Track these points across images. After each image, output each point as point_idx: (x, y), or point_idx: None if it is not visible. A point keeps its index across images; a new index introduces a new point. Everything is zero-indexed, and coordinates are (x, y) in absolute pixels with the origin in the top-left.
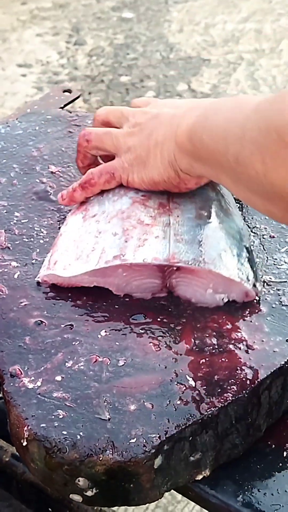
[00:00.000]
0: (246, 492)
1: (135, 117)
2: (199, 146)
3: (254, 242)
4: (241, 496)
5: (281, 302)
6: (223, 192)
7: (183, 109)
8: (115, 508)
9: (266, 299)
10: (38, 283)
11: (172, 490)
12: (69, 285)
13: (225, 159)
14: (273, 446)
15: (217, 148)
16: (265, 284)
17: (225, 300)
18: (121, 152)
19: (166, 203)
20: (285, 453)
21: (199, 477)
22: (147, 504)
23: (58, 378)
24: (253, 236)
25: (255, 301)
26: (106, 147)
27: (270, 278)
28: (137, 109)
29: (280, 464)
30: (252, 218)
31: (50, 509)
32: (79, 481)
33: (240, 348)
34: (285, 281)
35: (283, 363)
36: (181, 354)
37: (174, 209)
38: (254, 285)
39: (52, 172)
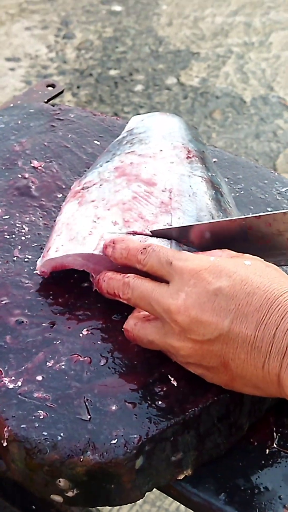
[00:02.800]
0: (228, 490)
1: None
2: None
3: None
4: (223, 494)
5: None
6: (223, 191)
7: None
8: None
9: None
10: (20, 279)
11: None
12: (62, 268)
13: None
14: (256, 443)
15: None
16: None
17: None
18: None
19: (168, 201)
20: (267, 451)
21: (181, 476)
22: None
23: (39, 378)
24: None
25: None
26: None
27: None
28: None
29: (263, 462)
30: None
31: (34, 507)
32: (59, 482)
33: None
34: None
35: None
36: (163, 354)
37: (176, 209)
38: None
39: (34, 167)
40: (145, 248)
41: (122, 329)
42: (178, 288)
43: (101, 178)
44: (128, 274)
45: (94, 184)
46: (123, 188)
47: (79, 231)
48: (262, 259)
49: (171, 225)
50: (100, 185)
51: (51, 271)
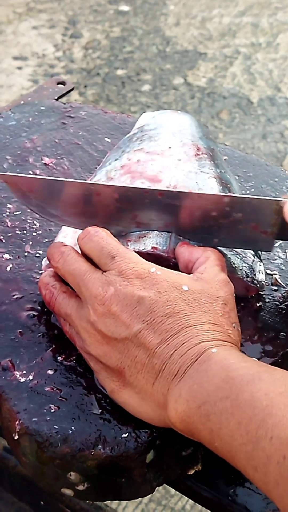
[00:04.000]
0: (238, 486)
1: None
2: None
3: None
4: (232, 490)
5: (274, 297)
6: (232, 188)
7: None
8: (109, 502)
9: (259, 293)
10: (31, 274)
11: (166, 485)
12: None
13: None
14: None
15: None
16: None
17: None
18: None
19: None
20: None
21: (191, 471)
22: (141, 498)
23: (50, 372)
24: None
25: (248, 296)
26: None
27: (264, 273)
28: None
29: None
30: None
31: (42, 502)
32: (70, 475)
33: None
34: (279, 276)
35: (275, 358)
36: None
37: None
38: (254, 280)
39: (45, 164)
40: (87, 229)
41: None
42: (110, 282)
43: (108, 177)
44: (67, 245)
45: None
46: (127, 185)
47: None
48: (206, 287)
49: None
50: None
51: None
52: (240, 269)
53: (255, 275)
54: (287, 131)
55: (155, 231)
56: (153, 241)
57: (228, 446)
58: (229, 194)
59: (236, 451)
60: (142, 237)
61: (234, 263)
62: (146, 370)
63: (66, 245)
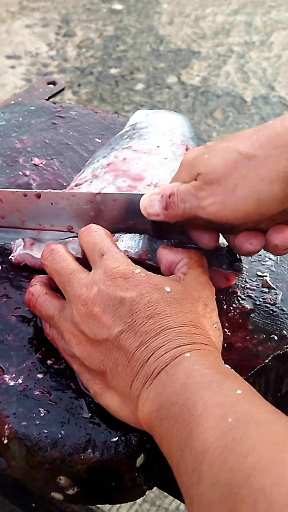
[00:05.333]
0: None
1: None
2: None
3: None
4: None
5: (264, 299)
6: None
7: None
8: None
9: (250, 296)
10: (21, 277)
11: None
12: (40, 268)
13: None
14: None
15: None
16: (248, 280)
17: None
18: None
19: None
20: None
21: None
22: None
23: (40, 375)
24: None
25: (239, 298)
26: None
27: (255, 275)
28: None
29: None
30: None
31: (33, 505)
32: (60, 479)
33: (223, 346)
34: (269, 277)
35: (266, 361)
36: None
37: None
38: (232, 266)
39: (35, 165)
40: (90, 225)
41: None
42: (95, 281)
43: (93, 175)
44: (57, 243)
45: (85, 181)
46: (109, 184)
47: (64, 234)
48: (188, 288)
49: None
50: (91, 182)
51: (24, 264)
52: (215, 259)
53: (229, 261)
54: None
55: (128, 234)
56: (125, 244)
57: (168, 453)
58: (101, 191)
59: (172, 458)
60: (115, 241)
61: (208, 256)
62: (125, 373)
63: (56, 243)
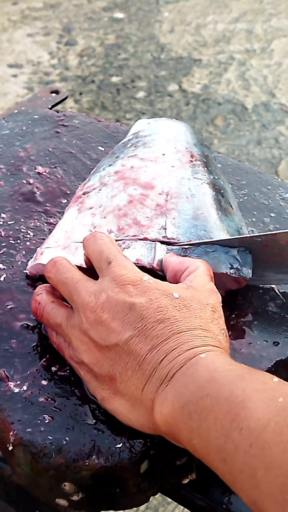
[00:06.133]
0: (232, 495)
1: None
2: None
3: None
4: (227, 498)
5: (267, 305)
6: (225, 193)
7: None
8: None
9: (253, 302)
10: (25, 284)
11: (160, 493)
12: None
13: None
14: None
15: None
16: (252, 287)
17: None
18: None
19: (164, 204)
20: None
21: (186, 480)
22: None
23: (44, 382)
24: None
25: (242, 304)
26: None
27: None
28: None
29: None
30: None
31: None
32: (65, 486)
33: None
34: (273, 285)
35: (269, 367)
36: None
37: (171, 210)
38: (240, 271)
39: (39, 173)
40: (94, 233)
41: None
42: (103, 289)
43: (101, 183)
44: (58, 256)
45: (94, 189)
46: (120, 192)
47: (75, 239)
48: (196, 294)
49: (165, 228)
50: (99, 190)
51: (40, 275)
52: (224, 263)
53: (239, 265)
54: (281, 137)
55: (139, 242)
56: (138, 252)
57: (204, 443)
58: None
59: (210, 445)
60: (126, 248)
61: (218, 258)
62: (136, 377)
63: (58, 256)
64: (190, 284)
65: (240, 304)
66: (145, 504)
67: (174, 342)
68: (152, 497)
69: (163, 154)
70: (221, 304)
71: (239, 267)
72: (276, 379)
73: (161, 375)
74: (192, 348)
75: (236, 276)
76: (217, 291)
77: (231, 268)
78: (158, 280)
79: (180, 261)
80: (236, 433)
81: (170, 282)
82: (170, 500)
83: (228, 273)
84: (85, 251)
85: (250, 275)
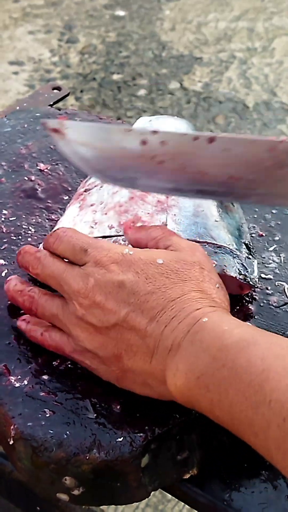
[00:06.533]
0: (233, 491)
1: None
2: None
3: None
4: (228, 495)
5: (269, 301)
6: None
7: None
8: (105, 507)
9: (254, 298)
10: (26, 280)
11: (161, 490)
12: None
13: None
14: None
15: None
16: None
17: None
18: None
19: (165, 200)
20: None
21: (187, 476)
22: (138, 503)
23: (45, 377)
24: None
25: (243, 299)
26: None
27: (259, 277)
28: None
29: (268, 463)
30: None
31: (38, 508)
32: (65, 480)
33: None
34: (273, 280)
35: None
36: None
37: (172, 207)
38: (247, 278)
39: (40, 170)
40: (55, 232)
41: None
42: (89, 273)
43: None
44: (41, 250)
45: (95, 186)
46: (121, 188)
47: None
48: (179, 255)
49: (166, 224)
50: (101, 187)
51: None
52: (233, 267)
53: (248, 272)
54: (283, 136)
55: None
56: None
57: (228, 415)
58: (284, 138)
59: (237, 418)
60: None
61: (226, 261)
62: (141, 351)
63: (39, 250)
64: (170, 247)
65: (241, 300)
66: (145, 501)
67: (171, 310)
68: (152, 495)
69: None
70: (208, 256)
71: (246, 274)
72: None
73: (167, 345)
74: (191, 312)
75: (244, 282)
76: (196, 244)
77: (240, 273)
78: (139, 250)
79: (147, 233)
80: (265, 407)
81: None
82: (170, 497)
83: (237, 278)
84: (56, 253)
85: (256, 284)
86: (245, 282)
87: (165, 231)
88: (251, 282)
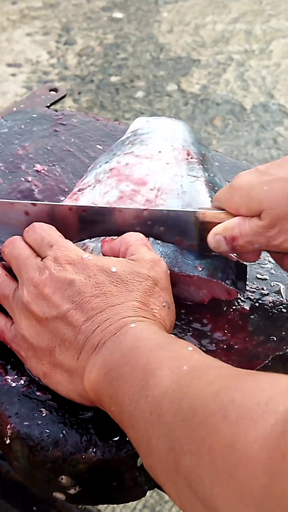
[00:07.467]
0: None
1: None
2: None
3: None
4: None
5: (264, 301)
6: (220, 188)
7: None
8: (103, 508)
9: (249, 298)
10: None
11: (158, 490)
12: None
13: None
14: None
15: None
16: (249, 283)
17: (209, 297)
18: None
19: (153, 199)
20: None
21: None
22: (135, 504)
23: None
24: None
25: (238, 300)
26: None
27: (255, 277)
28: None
29: None
30: None
31: (35, 508)
32: (62, 479)
33: (222, 348)
34: (268, 280)
35: (266, 362)
36: None
37: (160, 206)
38: (234, 283)
39: (37, 171)
40: (33, 223)
41: None
42: (46, 266)
43: (96, 180)
44: (16, 236)
45: (88, 186)
46: (112, 188)
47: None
48: (135, 267)
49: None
50: (94, 187)
51: None
52: (221, 271)
53: (235, 277)
54: (280, 138)
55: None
56: None
57: (119, 409)
58: (148, 208)
59: (124, 412)
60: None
61: (214, 264)
62: (72, 347)
63: (16, 237)
64: (130, 257)
65: (236, 300)
66: (142, 502)
67: (108, 313)
68: (149, 496)
69: (159, 152)
70: (168, 274)
71: (234, 279)
72: (191, 348)
73: (93, 344)
74: (124, 317)
75: (230, 287)
76: (161, 259)
77: (227, 278)
78: (99, 256)
79: (110, 247)
80: (143, 400)
81: None
82: (167, 498)
83: (224, 283)
84: (26, 241)
85: (244, 290)
86: (231, 287)
87: (138, 239)
88: (238, 287)
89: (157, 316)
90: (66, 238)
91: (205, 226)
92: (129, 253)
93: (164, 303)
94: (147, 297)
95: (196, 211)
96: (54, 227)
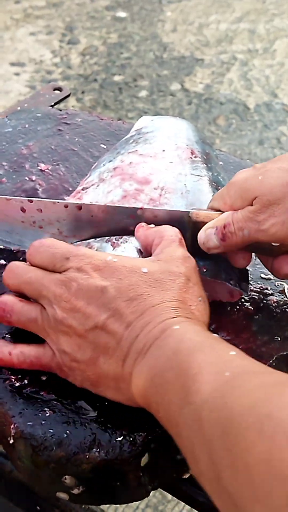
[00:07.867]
0: None
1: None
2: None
3: None
4: None
5: (268, 300)
6: (221, 185)
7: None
8: (106, 507)
9: (253, 298)
10: None
11: (161, 489)
12: None
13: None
14: None
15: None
16: (253, 283)
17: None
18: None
19: (157, 198)
20: None
21: (186, 475)
22: (137, 504)
23: (43, 377)
24: None
25: (242, 300)
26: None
27: (259, 277)
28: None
29: None
30: None
31: (38, 508)
32: (65, 479)
33: None
34: (273, 280)
35: (270, 362)
36: None
37: (164, 205)
38: (237, 284)
39: (41, 170)
40: (32, 244)
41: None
42: (71, 278)
43: (100, 179)
44: (12, 263)
45: (92, 185)
46: (116, 188)
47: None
48: (165, 266)
49: None
50: (97, 186)
51: None
52: (225, 273)
53: (239, 278)
54: (283, 137)
55: (133, 237)
56: (133, 247)
57: (166, 416)
58: (142, 206)
59: (170, 419)
60: (123, 243)
61: (218, 267)
62: (116, 354)
63: (14, 262)
64: (158, 257)
65: (240, 300)
66: (145, 502)
67: (149, 316)
68: (152, 495)
69: (163, 150)
70: (197, 270)
71: (238, 280)
72: (234, 351)
73: (138, 349)
74: (165, 319)
75: (234, 288)
76: (190, 256)
77: (231, 279)
78: (124, 257)
79: (145, 235)
80: (187, 408)
81: (146, 255)
82: (170, 498)
83: (228, 284)
84: (33, 265)
85: (248, 291)
86: (235, 288)
87: (173, 234)
88: (242, 288)
89: (195, 312)
90: (63, 236)
91: (198, 226)
92: (158, 250)
93: (200, 298)
94: (183, 294)
95: (189, 212)
96: (54, 239)
